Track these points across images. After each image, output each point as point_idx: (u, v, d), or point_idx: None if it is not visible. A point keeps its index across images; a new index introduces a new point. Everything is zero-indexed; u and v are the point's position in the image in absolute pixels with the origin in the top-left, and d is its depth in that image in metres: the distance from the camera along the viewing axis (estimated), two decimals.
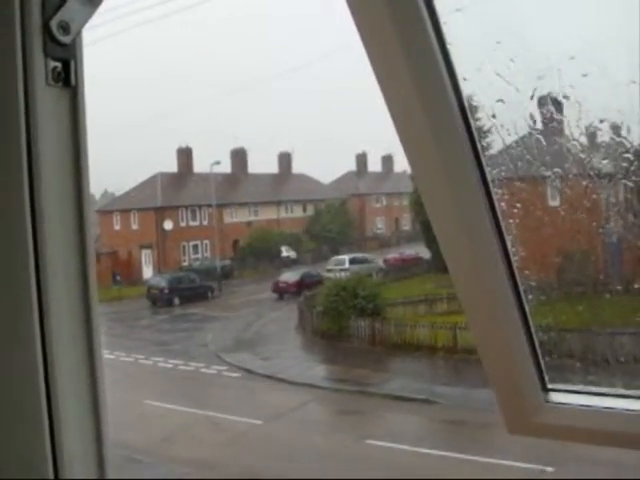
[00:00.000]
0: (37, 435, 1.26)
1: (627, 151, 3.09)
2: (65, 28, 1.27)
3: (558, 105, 2.44)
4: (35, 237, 1.25)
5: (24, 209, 1.23)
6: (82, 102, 1.32)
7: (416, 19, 1.59)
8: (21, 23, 1.22)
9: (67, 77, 1.29)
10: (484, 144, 1.99)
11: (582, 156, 3.40)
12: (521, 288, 2.01)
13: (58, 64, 1.28)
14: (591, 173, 3.70)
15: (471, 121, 1.75)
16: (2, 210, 1.25)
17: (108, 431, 1.37)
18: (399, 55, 1.58)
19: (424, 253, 49.28)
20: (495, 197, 1.88)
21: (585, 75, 2.24)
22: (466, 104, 1.74)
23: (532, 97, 2.27)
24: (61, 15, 1.26)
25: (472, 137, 1.76)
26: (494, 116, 2.13)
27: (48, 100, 1.26)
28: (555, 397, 2.12)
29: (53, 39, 1.26)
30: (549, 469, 17.22)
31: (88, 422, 1.35)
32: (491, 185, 1.85)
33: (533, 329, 2.07)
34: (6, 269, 1.26)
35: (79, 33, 1.31)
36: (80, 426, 1.33)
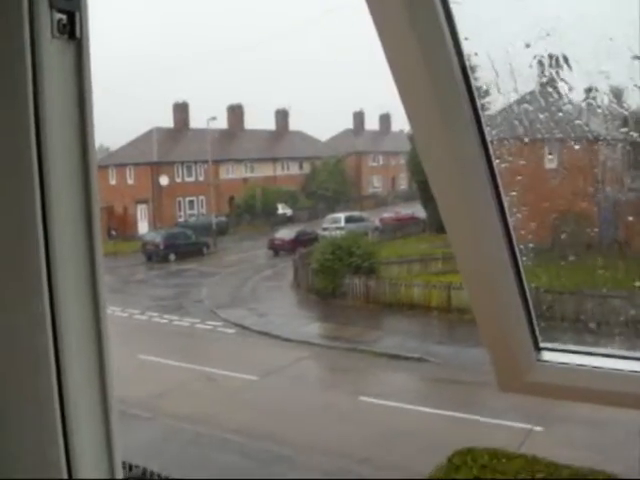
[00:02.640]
0: (50, 435, 1.29)
1: (626, 115, 3.09)
2: None
3: (558, 66, 2.44)
4: (42, 188, 1.25)
5: (31, 159, 1.24)
6: (87, 54, 1.32)
7: None
8: None
9: (72, 29, 1.29)
10: (483, 103, 1.99)
11: (581, 118, 3.40)
12: (517, 249, 2.03)
13: (63, 16, 1.27)
14: (589, 136, 3.70)
15: (472, 80, 1.75)
16: (9, 161, 1.26)
17: (118, 433, 1.40)
18: (402, 14, 1.58)
19: (420, 212, 49.30)
20: (493, 158, 1.89)
21: (587, 36, 2.23)
22: (467, 63, 1.75)
23: (533, 58, 2.27)
24: None
25: (472, 96, 1.77)
26: (494, 76, 2.13)
27: (54, 52, 1.26)
28: (547, 356, 2.16)
29: None
30: (538, 428, 17.44)
31: (99, 424, 1.37)
32: (490, 145, 1.86)
33: (527, 289, 2.10)
34: (12, 219, 1.27)
35: None
36: (91, 427, 1.36)
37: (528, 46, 2.19)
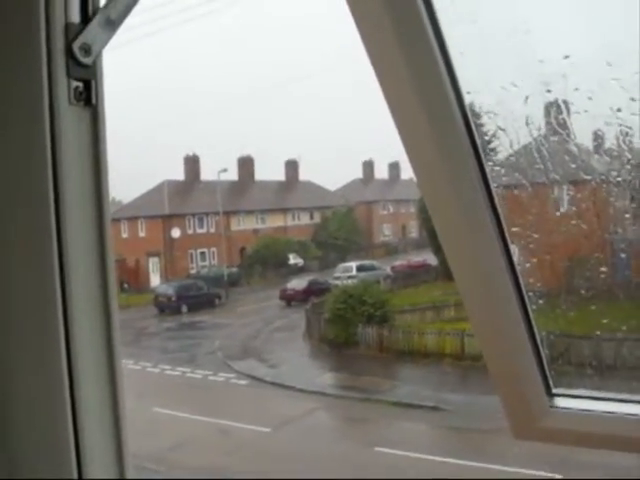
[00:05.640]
0: (61, 437, 1.35)
1: (634, 156, 3.09)
2: (87, 50, 1.36)
3: (564, 111, 2.45)
4: (60, 247, 1.33)
5: (49, 219, 1.32)
6: (102, 119, 1.41)
7: (418, 27, 1.62)
8: (46, 46, 1.31)
9: (88, 96, 1.38)
10: (489, 148, 2.00)
11: (588, 161, 3.40)
12: (525, 294, 2.02)
13: (80, 84, 1.36)
14: (598, 178, 3.70)
15: (473, 128, 1.76)
16: (29, 220, 1.34)
17: (127, 433, 1.45)
18: (402, 63, 1.61)
19: (432, 260, 49.18)
20: (499, 204, 1.89)
21: (591, 81, 2.25)
22: (469, 110, 1.76)
23: (538, 103, 2.28)
24: (83, 38, 1.35)
25: (475, 144, 1.78)
26: (500, 126, 2.14)
27: (71, 118, 1.35)
28: (560, 402, 2.14)
29: (75, 61, 1.35)
30: (557, 476, 17.15)
31: (109, 425, 1.43)
32: (494, 193, 1.87)
33: (537, 334, 2.09)
34: (33, 280, 1.35)
35: (100, 54, 1.39)
36: (102, 428, 1.41)
37: (534, 91, 2.20)
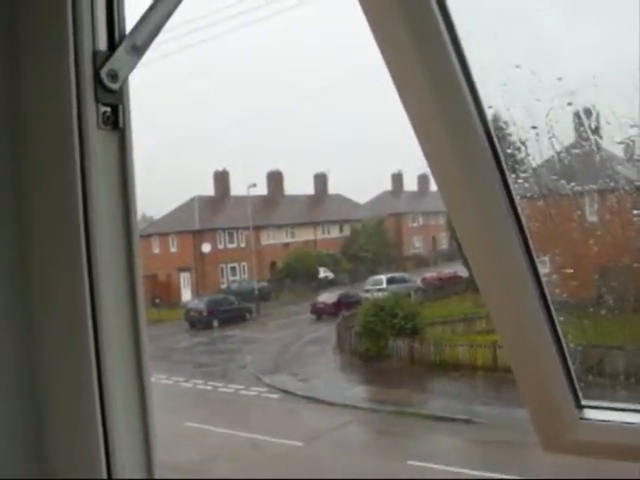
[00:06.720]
0: (91, 438, 1.40)
1: None
2: (114, 76, 1.42)
3: (592, 120, 2.44)
4: (89, 264, 1.39)
5: (79, 238, 1.39)
6: (129, 142, 1.47)
7: (438, 41, 1.65)
8: (75, 73, 1.37)
9: (116, 120, 1.44)
10: (512, 160, 2.00)
11: (618, 170, 3.38)
12: (552, 307, 2.02)
13: (107, 109, 1.43)
14: (627, 187, 3.67)
15: (496, 141, 1.77)
16: (60, 238, 1.40)
17: (155, 435, 1.50)
18: (423, 80, 1.64)
19: (462, 271, 48.85)
20: (523, 216, 1.90)
21: (619, 88, 2.24)
22: (491, 123, 1.77)
23: (561, 115, 2.28)
24: (110, 64, 1.41)
25: (498, 157, 1.79)
26: (523, 139, 2.14)
27: (99, 142, 1.41)
28: (589, 414, 2.12)
29: (103, 86, 1.41)
30: None
31: (138, 426, 1.48)
32: (518, 205, 1.88)
33: (565, 347, 2.08)
34: (64, 296, 1.41)
35: (126, 80, 1.45)
36: (130, 430, 1.46)
37: (561, 101, 2.20)
